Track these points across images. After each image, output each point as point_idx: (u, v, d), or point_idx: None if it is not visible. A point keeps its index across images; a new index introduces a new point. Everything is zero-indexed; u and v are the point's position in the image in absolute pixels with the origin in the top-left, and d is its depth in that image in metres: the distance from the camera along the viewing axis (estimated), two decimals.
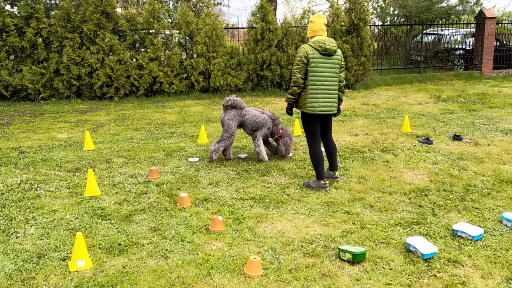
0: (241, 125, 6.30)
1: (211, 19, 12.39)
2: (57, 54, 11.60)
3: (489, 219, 4.35)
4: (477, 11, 17.01)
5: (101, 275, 3.42)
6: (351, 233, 4.08)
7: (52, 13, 12.07)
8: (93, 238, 4.01)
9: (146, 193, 5.09)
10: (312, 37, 5.06)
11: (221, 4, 17.24)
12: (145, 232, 4.13)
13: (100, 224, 4.29)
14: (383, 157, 6.36)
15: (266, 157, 6.26)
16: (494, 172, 5.67)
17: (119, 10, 13.24)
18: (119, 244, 3.89)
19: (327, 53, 4.91)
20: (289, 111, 5.33)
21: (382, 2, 20.58)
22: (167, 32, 12.50)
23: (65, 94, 11.78)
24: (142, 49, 12.42)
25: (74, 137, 7.83)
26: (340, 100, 5.23)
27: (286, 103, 5.28)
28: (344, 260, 3.59)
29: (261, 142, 6.26)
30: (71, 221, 4.37)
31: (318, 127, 5.14)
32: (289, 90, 5.09)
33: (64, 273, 3.45)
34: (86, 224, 4.30)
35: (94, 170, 5.90)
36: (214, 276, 3.40)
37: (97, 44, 11.68)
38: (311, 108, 4.98)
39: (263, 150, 6.27)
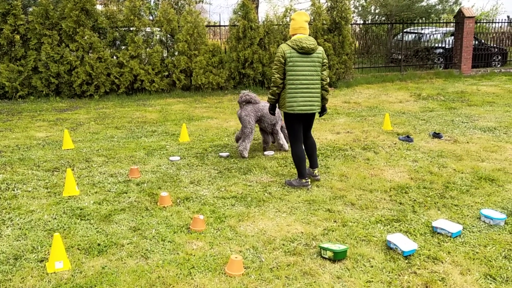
0: (258, 120, 6.35)
1: (192, 17, 12.32)
2: (35, 52, 11.39)
3: (467, 215, 4.40)
4: (456, 10, 17.24)
5: (80, 276, 3.36)
6: (332, 231, 4.09)
7: (30, 9, 11.85)
8: (72, 239, 3.94)
9: (126, 193, 5.03)
10: (293, 35, 5.05)
11: (202, 1, 17.16)
12: (125, 232, 4.07)
13: (79, 225, 4.22)
14: (364, 155, 6.40)
15: (286, 146, 6.65)
16: (472, 169, 5.75)
17: (99, 7, 13.06)
18: (98, 245, 3.83)
19: (304, 52, 4.88)
20: (271, 111, 5.32)
21: (363, 1, 20.72)
22: (148, 29, 12.38)
23: (44, 92, 11.57)
24: (123, 47, 12.28)
25: (52, 136, 7.70)
26: (324, 99, 5.19)
27: (268, 103, 5.27)
28: (326, 258, 3.59)
29: (280, 132, 6.60)
30: (49, 221, 4.29)
31: (300, 126, 5.13)
32: (270, 91, 5.08)
33: (42, 274, 3.39)
34: (65, 224, 4.23)
35: (73, 170, 5.81)
36: (195, 276, 3.38)
37: (77, 42, 11.50)
38: (290, 108, 4.96)
39: (283, 138, 6.63)
